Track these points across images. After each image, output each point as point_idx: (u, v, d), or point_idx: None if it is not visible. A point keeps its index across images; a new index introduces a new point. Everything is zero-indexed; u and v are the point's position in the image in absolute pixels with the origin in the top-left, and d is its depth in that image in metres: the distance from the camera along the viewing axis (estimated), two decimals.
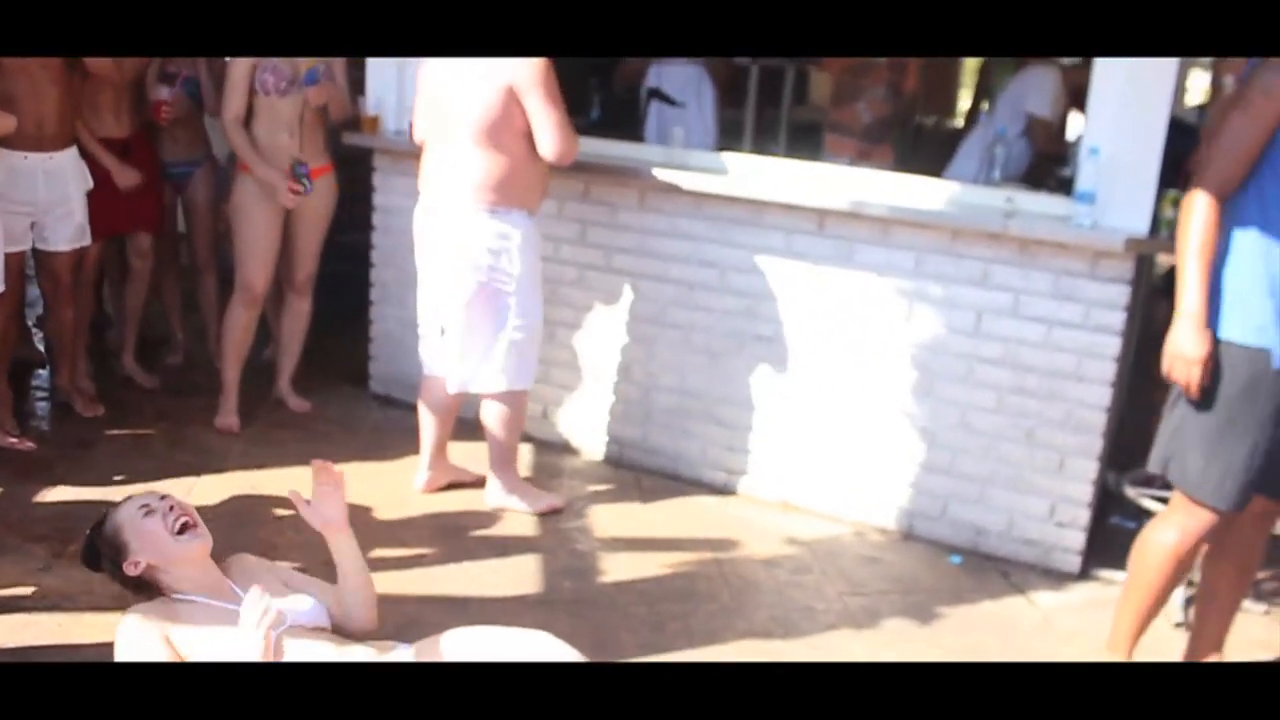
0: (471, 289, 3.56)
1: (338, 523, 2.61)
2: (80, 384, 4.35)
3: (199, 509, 3.66)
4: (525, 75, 3.34)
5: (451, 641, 2.29)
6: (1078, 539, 3.54)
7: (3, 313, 3.92)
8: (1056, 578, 3.54)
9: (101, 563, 2.53)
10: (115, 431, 4.15)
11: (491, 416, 3.73)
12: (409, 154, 4.10)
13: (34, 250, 4.02)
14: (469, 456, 3.99)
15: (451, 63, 3.44)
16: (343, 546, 2.63)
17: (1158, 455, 2.67)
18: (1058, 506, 3.53)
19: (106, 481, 3.70)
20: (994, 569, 3.58)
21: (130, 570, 2.45)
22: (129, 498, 2.55)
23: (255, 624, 2.26)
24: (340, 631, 2.59)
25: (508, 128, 3.40)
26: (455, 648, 2.27)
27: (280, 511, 3.60)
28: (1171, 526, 2.65)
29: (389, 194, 4.47)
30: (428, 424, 3.85)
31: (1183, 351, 2.52)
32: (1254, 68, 2.50)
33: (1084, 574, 3.55)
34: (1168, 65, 3.23)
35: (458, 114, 3.44)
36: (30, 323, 4.83)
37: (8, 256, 3.80)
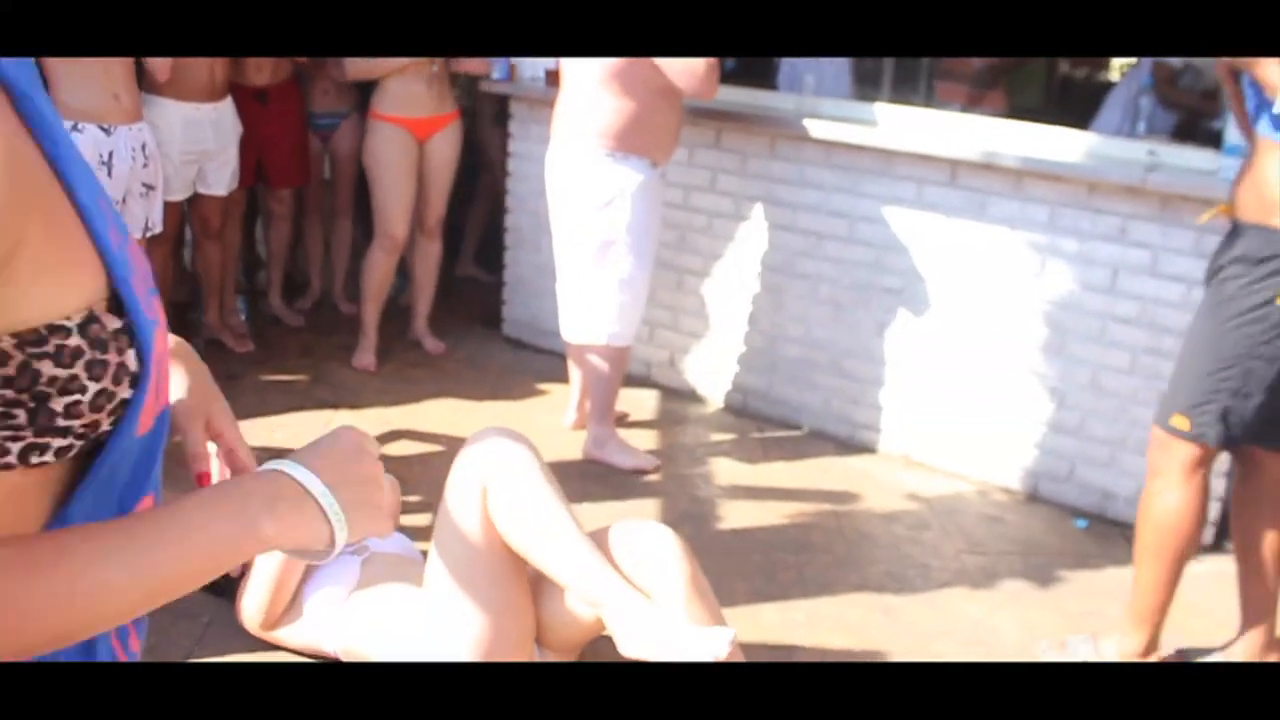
0: (581, 234, 3.55)
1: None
2: (230, 321, 4.57)
3: None
4: None
5: None
6: (1211, 509, 3.40)
7: (161, 253, 4.14)
8: None
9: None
10: (261, 367, 4.35)
11: (589, 369, 3.73)
12: (544, 101, 4.15)
13: None
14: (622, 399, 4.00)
15: None
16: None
17: None
18: None
19: (252, 414, 3.89)
20: (1120, 535, 3.48)
21: None
22: None
23: None
24: None
25: (635, 75, 3.35)
26: None
27: (410, 448, 3.74)
28: None
29: (524, 140, 4.53)
30: (573, 367, 3.92)
31: None
32: None
33: (1217, 546, 3.42)
34: None
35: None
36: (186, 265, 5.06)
37: (169, 202, 4.01)
